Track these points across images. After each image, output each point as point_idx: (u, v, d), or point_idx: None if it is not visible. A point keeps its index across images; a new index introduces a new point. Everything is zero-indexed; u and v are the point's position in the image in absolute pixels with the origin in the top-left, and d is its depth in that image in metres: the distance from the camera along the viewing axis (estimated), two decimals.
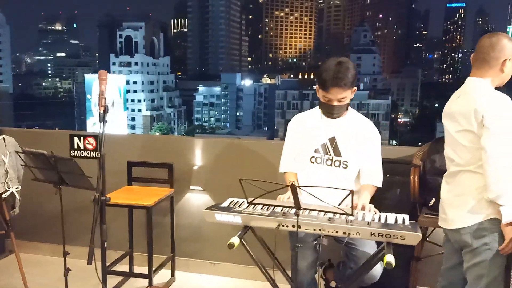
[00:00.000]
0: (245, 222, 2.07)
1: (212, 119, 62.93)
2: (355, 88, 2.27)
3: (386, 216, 2.05)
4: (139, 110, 59.51)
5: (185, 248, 3.38)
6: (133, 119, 58.73)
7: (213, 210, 2.11)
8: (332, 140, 2.37)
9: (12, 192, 2.64)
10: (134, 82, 60.00)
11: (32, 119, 52.68)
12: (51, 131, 4.01)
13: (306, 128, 2.41)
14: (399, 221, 1.98)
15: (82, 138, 3.46)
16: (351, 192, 1.81)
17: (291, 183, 1.81)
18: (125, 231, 3.25)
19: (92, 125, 50.11)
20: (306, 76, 71.38)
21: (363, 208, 2.14)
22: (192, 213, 3.38)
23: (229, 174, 3.27)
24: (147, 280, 2.91)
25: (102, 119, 2.13)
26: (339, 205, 1.93)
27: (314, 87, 2.38)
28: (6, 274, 3.28)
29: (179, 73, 71.69)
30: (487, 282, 1.91)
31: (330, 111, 2.29)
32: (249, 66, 76.74)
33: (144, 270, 2.94)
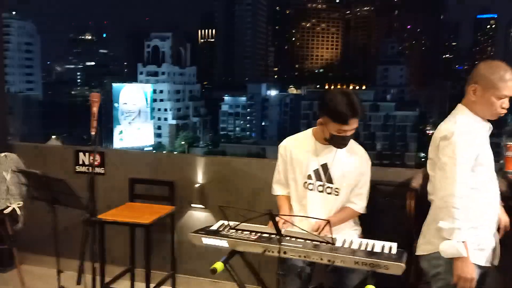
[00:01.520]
0: (232, 246, 2.05)
1: (237, 128, 63.31)
2: None
3: (374, 244, 1.99)
4: (165, 119, 60.47)
5: (186, 265, 3.38)
6: (159, 127, 59.71)
7: (200, 234, 2.10)
8: (325, 167, 2.33)
9: (14, 208, 2.70)
10: (161, 91, 61.07)
11: (60, 126, 54.25)
12: (58, 146, 4.11)
13: (296, 155, 2.39)
14: (386, 250, 1.93)
15: (87, 154, 3.52)
16: (328, 222, 1.77)
17: (268, 211, 1.78)
18: (127, 247, 3.27)
19: (119, 133, 51.28)
20: (332, 87, 71.07)
21: (318, 227, 2.10)
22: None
23: (230, 192, 3.27)
24: None
25: (94, 141, 2.16)
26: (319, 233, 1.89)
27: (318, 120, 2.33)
28: (12, 287, 3.35)
29: (205, 83, 72.56)
30: None
31: (344, 142, 2.27)
32: (275, 76, 77.02)
33: (142, 286, 2.94)
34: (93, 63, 78.87)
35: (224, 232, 2.10)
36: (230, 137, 61.21)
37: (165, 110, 60.73)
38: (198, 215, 3.36)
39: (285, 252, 1.92)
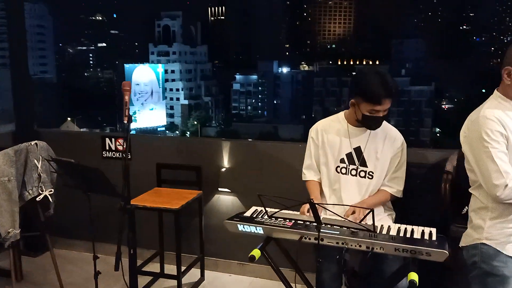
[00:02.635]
0: (267, 234, 2.05)
1: (249, 107, 63.03)
2: None
3: (412, 229, 1.97)
4: (177, 99, 60.49)
5: (214, 248, 3.41)
6: (171, 108, 59.81)
7: (235, 221, 2.10)
8: (358, 150, 2.29)
9: (45, 195, 2.73)
10: (172, 71, 60.86)
11: (75, 109, 54.66)
12: (84, 132, 4.13)
13: (328, 138, 2.35)
14: (426, 236, 1.90)
15: (113, 139, 3.53)
16: (371, 211, 1.74)
17: (311, 200, 1.76)
18: (156, 231, 3.31)
19: (132, 114, 51.50)
20: (345, 63, 69.95)
21: (353, 212, 2.09)
22: (221, 214, 3.39)
23: (256, 176, 3.26)
24: (176, 281, 2.96)
25: (127, 129, 2.15)
26: (360, 222, 1.87)
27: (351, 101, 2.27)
28: (43, 270, 3.43)
29: (217, 62, 72.00)
30: None
31: (376, 123, 2.23)
32: (287, 53, 76.06)
33: (175, 268, 2.99)
34: (104, 44, 78.74)
35: (259, 219, 2.10)
36: (242, 116, 61.02)
37: (177, 90, 60.68)
38: (225, 199, 3.37)
39: (322, 239, 1.91)
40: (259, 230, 2.04)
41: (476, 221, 1.92)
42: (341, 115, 2.39)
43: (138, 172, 3.53)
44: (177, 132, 57.03)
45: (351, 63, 69.70)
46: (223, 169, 3.28)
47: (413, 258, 1.82)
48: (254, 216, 2.16)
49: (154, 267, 3.32)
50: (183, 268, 3.01)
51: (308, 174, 2.44)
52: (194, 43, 66.33)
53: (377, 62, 67.98)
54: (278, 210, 2.01)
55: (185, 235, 3.25)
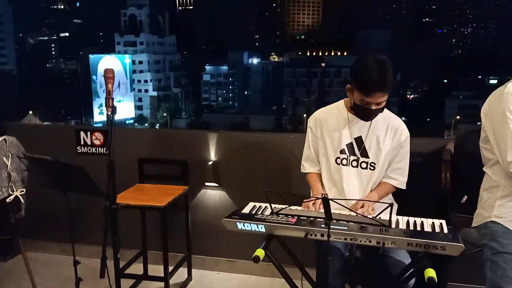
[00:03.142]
0: (270, 231, 1.90)
1: (220, 98, 62.50)
2: None
3: (422, 221, 1.87)
4: (146, 91, 59.25)
5: (201, 245, 3.25)
6: (140, 99, 58.55)
7: (234, 219, 1.94)
8: (359, 140, 2.17)
9: (16, 196, 2.48)
10: (140, 62, 59.50)
11: (37, 102, 52.58)
12: (56, 125, 3.84)
13: (327, 128, 2.21)
14: (437, 228, 1.81)
15: (89, 133, 3.29)
16: (390, 205, 1.63)
17: (323, 195, 1.62)
18: (138, 229, 3.11)
19: (98, 106, 50.07)
20: (314, 54, 70.32)
21: (357, 205, 1.99)
22: (207, 210, 3.23)
23: (245, 169, 3.11)
24: (163, 282, 2.78)
25: (111, 122, 1.94)
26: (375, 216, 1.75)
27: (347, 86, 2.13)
28: (15, 275, 3.17)
29: (186, 52, 70.83)
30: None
31: (367, 115, 2.09)
32: (256, 44, 75.73)
33: (159, 268, 2.81)
34: (67, 34, 75.95)
35: (259, 216, 1.95)
36: (213, 107, 60.49)
37: (146, 81, 59.39)
38: (212, 194, 3.20)
39: (329, 236, 1.78)
40: (261, 228, 1.89)
41: (487, 200, 1.91)
42: (340, 103, 2.26)
43: (117, 168, 3.28)
44: (146, 124, 55.98)
45: (320, 54, 70.15)
46: (210, 163, 3.11)
47: (425, 253, 1.72)
48: (254, 213, 2.01)
49: (137, 268, 3.13)
50: (170, 269, 2.84)
51: (307, 166, 2.30)
52: (162, 33, 64.97)
53: (345, 53, 68.73)
54: (286, 206, 1.86)
55: (170, 233, 3.06)
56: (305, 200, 2.02)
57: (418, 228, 1.82)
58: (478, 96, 50.06)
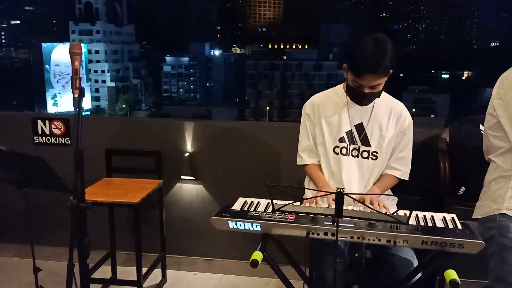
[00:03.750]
0: (265, 230, 1.68)
1: (181, 90, 61.37)
2: (391, 70, 1.86)
3: (433, 216, 1.71)
4: (103, 82, 57.23)
5: (176, 244, 2.99)
6: (97, 90, 56.51)
7: (224, 217, 1.71)
8: (360, 127, 1.99)
9: None
10: (97, 52, 57.34)
11: None
12: (10, 113, 3.44)
13: (325, 115, 2.02)
14: (450, 224, 1.65)
15: (47, 121, 2.94)
16: (415, 201, 1.44)
17: (338, 189, 1.41)
18: (105, 228, 2.81)
19: (52, 97, 47.89)
20: (276, 46, 70.36)
21: (362, 200, 1.81)
22: (184, 206, 2.97)
23: (224, 161, 2.88)
24: (136, 287, 2.51)
25: (78, 105, 1.65)
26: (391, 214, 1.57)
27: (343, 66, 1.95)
28: None
29: (145, 43, 68.93)
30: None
31: (359, 98, 1.90)
32: (218, 35, 74.85)
33: (130, 270, 2.54)
34: (18, 22, 72.05)
35: (253, 213, 1.72)
36: (174, 99, 59.35)
37: (103, 72, 57.31)
38: (189, 188, 2.95)
39: (333, 234, 1.59)
40: (256, 227, 1.67)
41: (497, 191, 1.79)
42: (339, 87, 2.07)
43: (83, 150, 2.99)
44: (104, 116, 54.10)
45: (282, 46, 70.35)
46: (186, 154, 2.85)
47: (441, 251, 1.56)
48: (246, 209, 1.78)
49: (105, 271, 2.83)
50: (143, 270, 2.57)
51: (306, 157, 2.09)
52: (120, 22, 62.86)
53: (306, 46, 69.28)
54: (291, 202, 1.64)
55: (142, 231, 2.79)
56: (314, 196, 1.82)
57: (430, 224, 1.65)
58: (432, 90, 52.03)
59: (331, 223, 1.56)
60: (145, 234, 2.87)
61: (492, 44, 67.73)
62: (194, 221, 2.97)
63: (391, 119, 1.99)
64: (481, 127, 2.32)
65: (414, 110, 48.56)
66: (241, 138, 2.84)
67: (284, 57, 57.18)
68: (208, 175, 2.90)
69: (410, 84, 53.43)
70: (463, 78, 59.29)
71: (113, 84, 57.02)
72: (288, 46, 69.71)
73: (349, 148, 1.99)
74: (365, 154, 1.99)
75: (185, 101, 58.45)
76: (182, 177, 2.89)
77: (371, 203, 1.78)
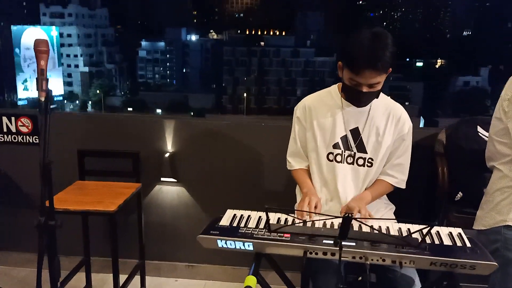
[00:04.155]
0: (259, 250, 1.53)
1: (157, 76, 60.19)
2: (390, 68, 1.71)
3: (438, 231, 1.59)
4: (76, 66, 55.56)
5: (156, 250, 2.82)
6: (69, 75, 54.85)
7: (213, 235, 1.54)
8: (355, 132, 1.85)
9: None
10: (69, 35, 55.49)
11: None
12: None
13: (317, 118, 1.87)
14: (458, 241, 1.53)
15: (13, 118, 2.69)
16: (431, 227, 1.31)
17: (346, 214, 1.26)
18: (79, 233, 2.61)
19: (23, 82, 46.24)
20: (253, 33, 69.60)
21: (348, 209, 1.68)
22: (164, 209, 2.79)
23: (207, 162, 2.70)
24: None
25: (45, 110, 1.44)
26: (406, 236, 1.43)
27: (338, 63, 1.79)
28: None
29: (119, 27, 67.04)
30: None
31: (357, 98, 1.75)
32: (194, 20, 73.53)
33: (106, 278, 2.35)
34: None
35: (244, 231, 1.56)
36: (150, 85, 58.19)
37: (75, 56, 55.57)
38: (169, 191, 2.76)
39: (333, 254, 1.45)
40: (248, 246, 1.51)
41: (502, 201, 1.69)
42: (333, 88, 1.92)
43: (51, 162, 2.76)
44: (77, 101, 52.74)
45: (259, 33, 69.69)
46: (167, 155, 2.65)
47: (449, 272, 1.44)
48: (235, 225, 1.62)
49: (79, 279, 2.63)
50: (121, 280, 2.39)
51: (294, 163, 1.95)
52: (93, 5, 60.91)
53: (283, 33, 68.88)
54: (287, 225, 1.48)
55: (119, 237, 2.60)
56: (315, 213, 1.66)
57: (436, 241, 1.53)
58: (406, 78, 52.70)
59: (331, 242, 1.42)
60: (123, 239, 2.68)
61: (465, 33, 68.88)
62: (175, 225, 2.80)
63: (389, 123, 1.85)
64: (479, 129, 2.22)
65: (389, 97, 49.12)
66: (226, 137, 2.67)
67: (262, 43, 56.73)
68: (190, 176, 2.72)
69: None
70: (437, 66, 60.25)
71: (86, 69, 55.51)
72: (265, 33, 69.12)
73: (344, 154, 1.84)
74: (360, 161, 1.85)
75: (161, 87, 57.46)
76: (162, 179, 2.70)
77: (359, 211, 1.64)
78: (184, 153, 2.68)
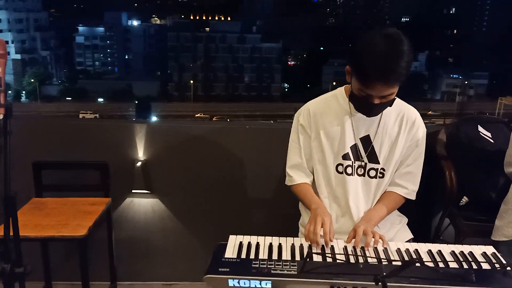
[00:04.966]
0: (278, 287, 1.30)
1: (97, 63, 57.33)
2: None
3: (472, 252, 1.43)
4: (7, 53, 51.66)
5: (129, 269, 2.51)
6: None
7: (223, 274, 1.29)
8: (366, 141, 1.65)
9: None
10: None
11: None
12: None
13: (324, 126, 1.65)
14: (493, 260, 1.38)
15: None
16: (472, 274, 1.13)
17: (414, 260, 1.06)
18: (37, 257, 2.25)
19: None
20: (198, 18, 68.11)
21: (355, 232, 1.45)
22: (136, 224, 2.48)
23: (184, 170, 2.42)
24: None
25: (4, 130, 1.12)
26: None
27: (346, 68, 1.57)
28: None
29: (53, 10, 63.00)
30: None
31: (366, 110, 1.54)
32: (136, 5, 70.61)
33: None
34: None
35: (258, 265, 1.33)
36: (90, 73, 55.37)
37: (6, 42, 51.62)
38: (143, 204, 2.45)
39: None
40: (266, 285, 1.28)
41: None
42: (340, 91, 1.70)
43: (2, 175, 2.35)
44: (9, 91, 49.14)
45: (204, 18, 68.34)
46: (139, 164, 2.34)
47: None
48: (244, 257, 1.38)
49: None
50: None
51: (297, 177, 1.72)
52: None
53: (229, 18, 68.03)
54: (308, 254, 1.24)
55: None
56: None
57: (474, 265, 1.36)
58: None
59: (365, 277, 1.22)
60: (91, 260, 2.36)
61: (403, 19, 71.58)
62: (149, 241, 2.50)
63: (402, 129, 1.66)
64: (480, 129, 2.12)
65: (335, 83, 50.34)
66: (204, 141, 2.39)
67: (207, 29, 55.63)
68: (165, 186, 2.43)
69: (330, 57, 55.04)
70: None
71: (18, 56, 51.78)
72: (210, 18, 67.91)
73: (354, 166, 1.65)
74: (372, 173, 1.66)
75: (102, 74, 54.87)
76: (133, 190, 2.38)
77: (365, 234, 1.43)
78: (158, 161, 2.38)
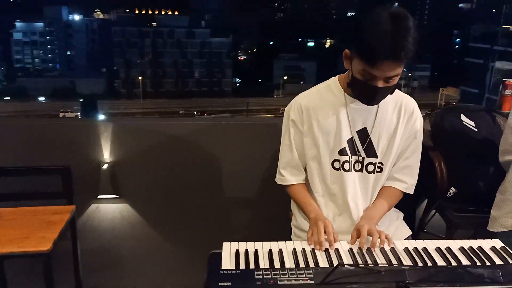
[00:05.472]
0: None
1: (37, 60, 54.28)
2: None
3: (481, 247, 1.37)
4: None
5: (95, 281, 2.29)
6: None
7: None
8: (363, 133, 1.56)
9: None
10: None
11: None
12: None
13: (318, 120, 1.55)
14: (504, 254, 1.33)
15: None
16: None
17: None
18: None
19: None
20: (143, 12, 66.20)
21: (358, 232, 1.37)
22: (103, 232, 2.27)
23: (154, 170, 2.25)
24: None
25: None
26: None
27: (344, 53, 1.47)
28: None
29: None
30: None
31: (370, 95, 1.43)
32: None
33: None
34: None
35: (260, 275, 1.19)
36: (29, 70, 52.39)
37: None
38: (110, 210, 2.25)
39: None
40: None
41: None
42: (333, 81, 1.60)
43: None
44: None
45: (150, 12, 66.57)
46: (105, 166, 2.12)
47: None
48: (244, 267, 1.24)
49: None
50: None
51: (289, 176, 1.60)
52: None
53: (176, 13, 66.76)
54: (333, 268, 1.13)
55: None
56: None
57: (487, 262, 1.30)
58: (300, 57, 54.89)
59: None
60: (54, 273, 2.13)
61: (349, 14, 73.54)
62: (118, 250, 2.30)
63: (401, 120, 1.58)
64: (462, 117, 2.10)
65: (286, 77, 50.81)
66: (176, 140, 2.22)
67: (154, 23, 54.24)
68: (134, 190, 2.24)
69: (280, 52, 55.51)
70: (326, 46, 63.61)
71: None
72: (157, 12, 66.26)
73: (351, 161, 1.55)
74: (370, 168, 1.57)
75: (43, 72, 52.11)
76: (99, 196, 2.17)
77: (370, 234, 1.35)
78: (126, 162, 2.18)
